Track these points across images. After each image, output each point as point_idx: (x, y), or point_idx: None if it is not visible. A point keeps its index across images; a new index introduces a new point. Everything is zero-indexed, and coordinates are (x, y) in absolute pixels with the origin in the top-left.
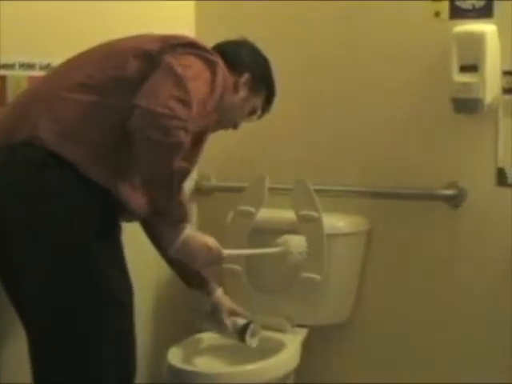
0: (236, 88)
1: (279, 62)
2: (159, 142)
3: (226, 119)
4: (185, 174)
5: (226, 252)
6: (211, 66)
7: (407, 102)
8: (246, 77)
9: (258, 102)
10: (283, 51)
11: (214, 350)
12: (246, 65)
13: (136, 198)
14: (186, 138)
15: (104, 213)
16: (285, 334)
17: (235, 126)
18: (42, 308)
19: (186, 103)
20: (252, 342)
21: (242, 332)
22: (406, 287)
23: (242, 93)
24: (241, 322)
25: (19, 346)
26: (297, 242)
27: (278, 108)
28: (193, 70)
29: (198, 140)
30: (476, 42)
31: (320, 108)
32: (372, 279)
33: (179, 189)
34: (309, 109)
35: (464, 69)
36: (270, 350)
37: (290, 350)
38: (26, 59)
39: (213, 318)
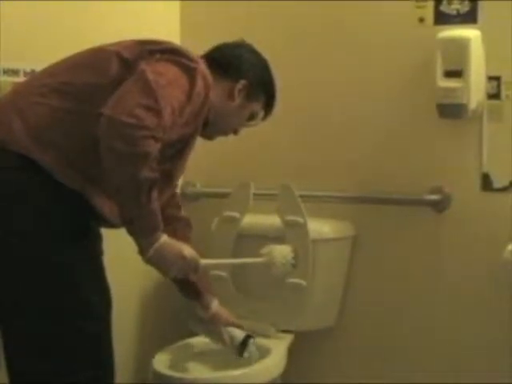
0: (231, 95)
1: None
2: (124, 153)
3: (223, 126)
4: (153, 183)
5: (204, 261)
6: (189, 72)
7: (392, 107)
8: (242, 83)
9: (256, 107)
10: (267, 55)
11: (199, 356)
12: (243, 70)
13: (110, 206)
14: (154, 147)
15: (77, 218)
16: (270, 340)
17: (235, 132)
18: (13, 308)
19: (154, 111)
20: (252, 355)
21: (241, 348)
22: (392, 292)
23: (238, 100)
24: (239, 335)
25: None
26: (281, 253)
27: None
28: (167, 77)
29: (183, 147)
30: (460, 47)
31: (305, 113)
32: (358, 284)
33: (148, 198)
34: (294, 114)
35: (448, 74)
36: None
37: (276, 355)
38: (10, 65)
39: (209, 328)
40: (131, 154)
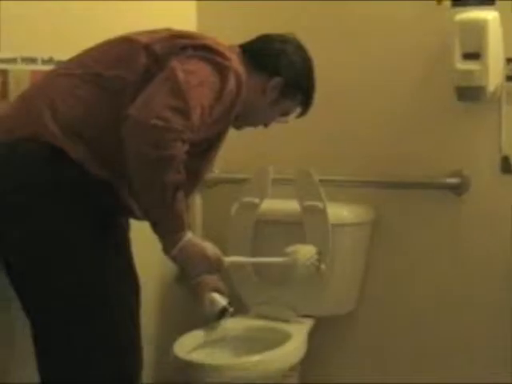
0: (263, 91)
1: None
2: (150, 156)
3: (252, 119)
4: (179, 186)
5: (228, 259)
6: (221, 71)
7: (410, 90)
8: (276, 81)
9: (290, 105)
10: None
11: (219, 342)
12: (280, 67)
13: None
14: (181, 150)
15: (105, 209)
16: (291, 325)
17: (265, 125)
18: (42, 300)
19: (183, 113)
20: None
21: (218, 316)
22: (411, 275)
23: (271, 96)
24: (218, 303)
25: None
26: (306, 254)
27: None
28: (198, 76)
29: (211, 145)
30: (478, 29)
31: (323, 98)
32: (377, 269)
33: (174, 200)
34: None
35: (467, 56)
36: (276, 340)
37: (296, 340)
38: (27, 53)
39: (194, 291)
40: (158, 158)
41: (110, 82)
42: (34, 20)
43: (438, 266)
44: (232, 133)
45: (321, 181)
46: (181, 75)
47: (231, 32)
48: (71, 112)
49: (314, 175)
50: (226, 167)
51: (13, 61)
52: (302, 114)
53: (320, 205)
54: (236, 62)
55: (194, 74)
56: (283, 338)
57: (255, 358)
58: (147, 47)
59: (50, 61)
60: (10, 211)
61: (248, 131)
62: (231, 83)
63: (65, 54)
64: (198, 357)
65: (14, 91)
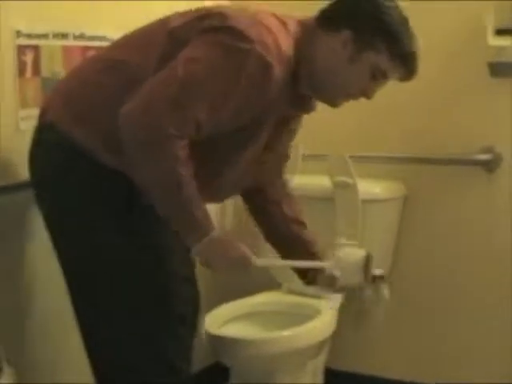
0: (334, 50)
1: None
2: (143, 158)
3: (340, 87)
4: (182, 184)
5: (260, 262)
6: (236, 55)
7: (443, 66)
8: (344, 34)
9: (377, 57)
10: None
11: (249, 317)
12: (342, 18)
13: None
14: (177, 149)
15: (124, 196)
16: (320, 301)
17: (365, 95)
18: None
19: (178, 110)
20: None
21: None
22: (443, 252)
23: (345, 53)
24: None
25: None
26: (350, 258)
27: None
28: (204, 65)
29: (256, 131)
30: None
31: None
32: (408, 244)
33: (179, 199)
34: None
35: (500, 32)
36: (305, 316)
37: (326, 316)
38: (59, 29)
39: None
40: (151, 160)
41: (131, 70)
42: None
43: (469, 241)
44: None
45: (352, 157)
46: (182, 68)
47: None
48: (86, 100)
49: (344, 151)
50: None
51: (44, 36)
52: (408, 71)
53: (350, 181)
54: (265, 46)
55: (200, 62)
56: (313, 314)
57: (285, 333)
58: (171, 31)
59: (81, 36)
60: (41, 205)
61: None
62: (250, 68)
63: (96, 29)
64: (229, 331)
65: (46, 67)
